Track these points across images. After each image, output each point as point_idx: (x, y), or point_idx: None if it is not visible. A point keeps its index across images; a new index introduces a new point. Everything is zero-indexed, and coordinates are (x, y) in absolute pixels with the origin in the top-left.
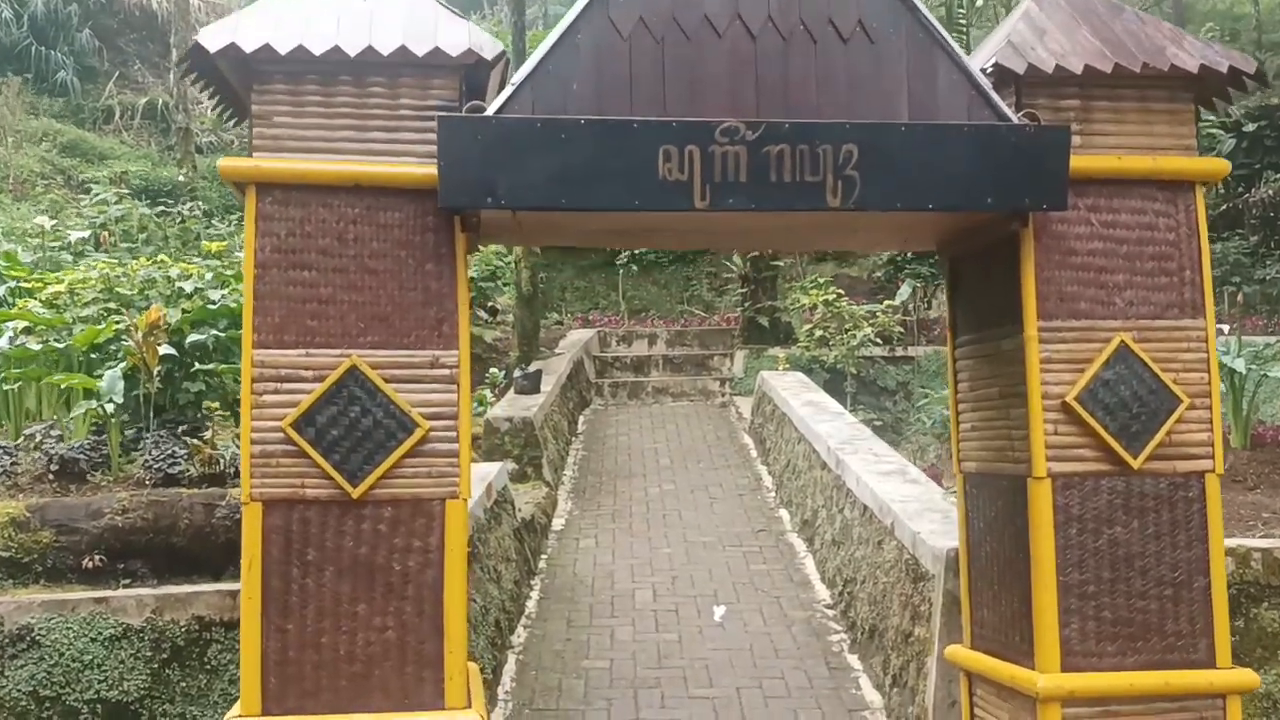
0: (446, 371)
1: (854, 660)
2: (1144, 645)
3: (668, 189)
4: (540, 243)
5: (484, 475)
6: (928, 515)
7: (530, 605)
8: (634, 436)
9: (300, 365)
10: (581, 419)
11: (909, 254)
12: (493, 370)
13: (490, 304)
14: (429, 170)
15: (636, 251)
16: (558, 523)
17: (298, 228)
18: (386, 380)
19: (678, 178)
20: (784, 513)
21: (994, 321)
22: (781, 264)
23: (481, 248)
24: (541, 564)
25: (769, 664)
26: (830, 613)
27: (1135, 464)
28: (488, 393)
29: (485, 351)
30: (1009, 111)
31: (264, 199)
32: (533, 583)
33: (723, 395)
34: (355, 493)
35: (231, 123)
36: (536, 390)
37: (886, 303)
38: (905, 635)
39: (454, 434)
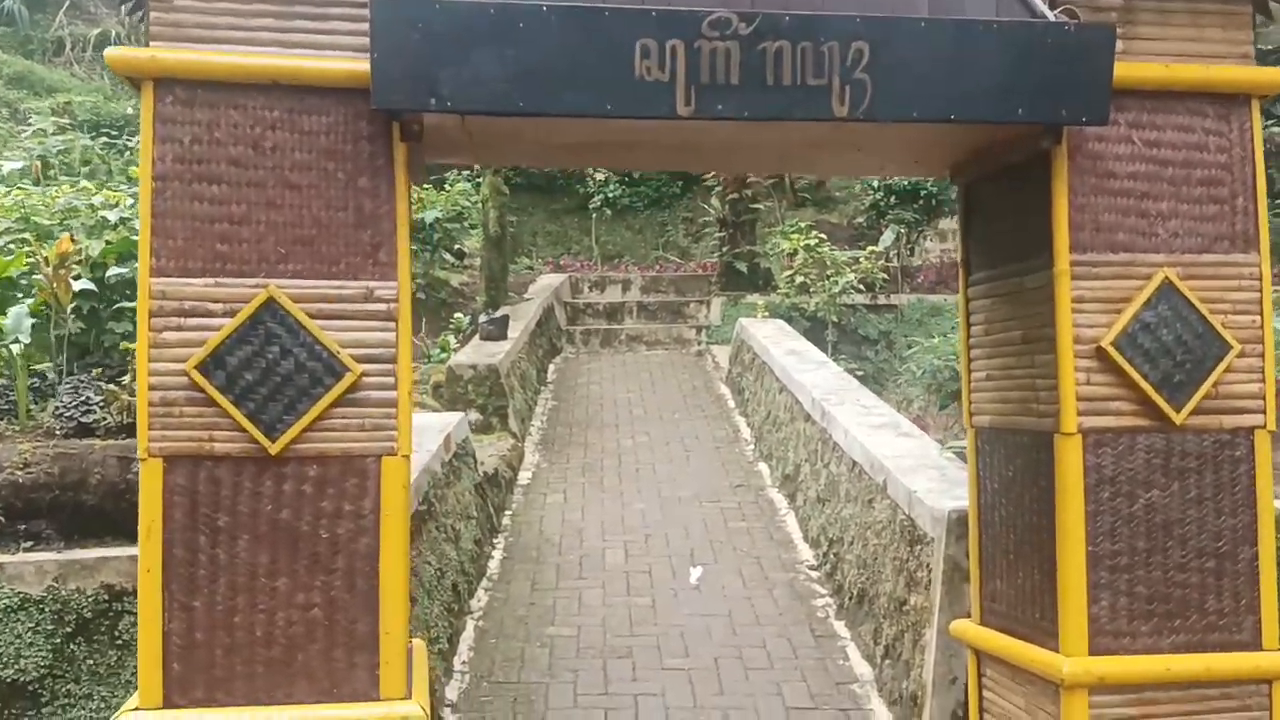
0: (383, 306)
1: (841, 627)
2: (1182, 624)
3: (646, 92)
4: (497, 160)
5: (443, 426)
6: (924, 472)
7: (492, 566)
8: (606, 386)
9: (207, 297)
10: (551, 367)
11: (892, 199)
12: (458, 315)
13: (457, 246)
14: (362, 66)
15: (610, 195)
16: (524, 476)
17: (205, 133)
18: (311, 316)
19: (658, 78)
20: (763, 467)
21: (1017, 255)
22: (761, 207)
23: (447, 187)
24: (505, 521)
25: (749, 631)
26: (814, 575)
27: (1177, 419)
28: (451, 339)
29: (451, 296)
30: (1044, 8)
31: (163, 98)
32: (496, 541)
33: (699, 343)
34: (273, 448)
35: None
36: (503, 337)
37: (870, 248)
38: (899, 603)
39: (391, 379)
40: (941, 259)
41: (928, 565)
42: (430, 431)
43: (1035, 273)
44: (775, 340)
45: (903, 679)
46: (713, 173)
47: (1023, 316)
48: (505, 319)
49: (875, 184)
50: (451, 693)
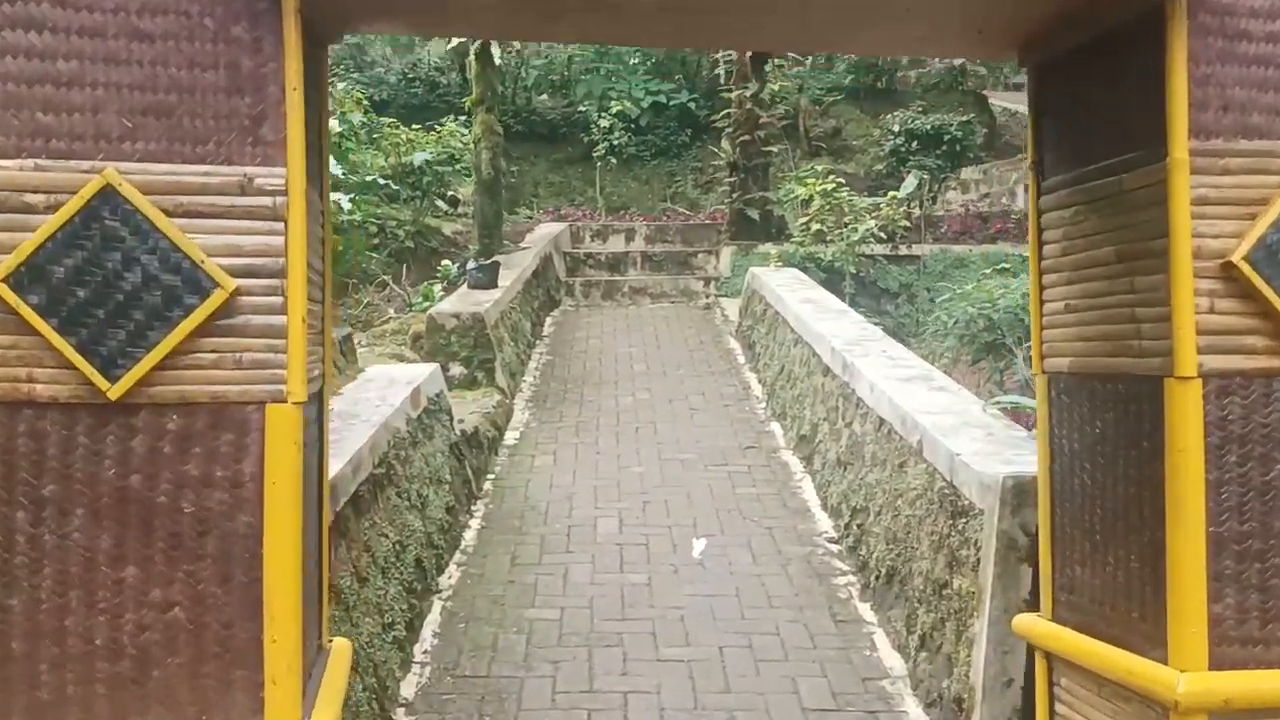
0: (266, 201)
1: (866, 610)
2: None
3: None
4: (436, 28)
5: (411, 378)
6: (967, 431)
7: (468, 537)
8: (606, 340)
9: (23, 185)
10: (549, 320)
11: (914, 144)
12: (445, 263)
13: (450, 193)
14: None
15: (615, 142)
16: (511, 436)
17: None
18: (166, 212)
19: None
20: (776, 426)
21: (1111, 149)
22: (774, 150)
23: (438, 128)
24: (487, 486)
25: (760, 615)
26: (835, 549)
27: None
28: (437, 288)
29: (443, 245)
30: None
31: None
32: (474, 509)
33: (707, 296)
34: (114, 391)
35: None
36: (493, 285)
37: (891, 194)
38: (938, 586)
39: (278, 300)
40: (966, 209)
41: (975, 542)
42: (397, 385)
43: (1139, 169)
44: (790, 289)
45: (943, 676)
46: (714, 51)
47: (1119, 228)
48: (495, 265)
49: (896, 128)
50: (408, 689)
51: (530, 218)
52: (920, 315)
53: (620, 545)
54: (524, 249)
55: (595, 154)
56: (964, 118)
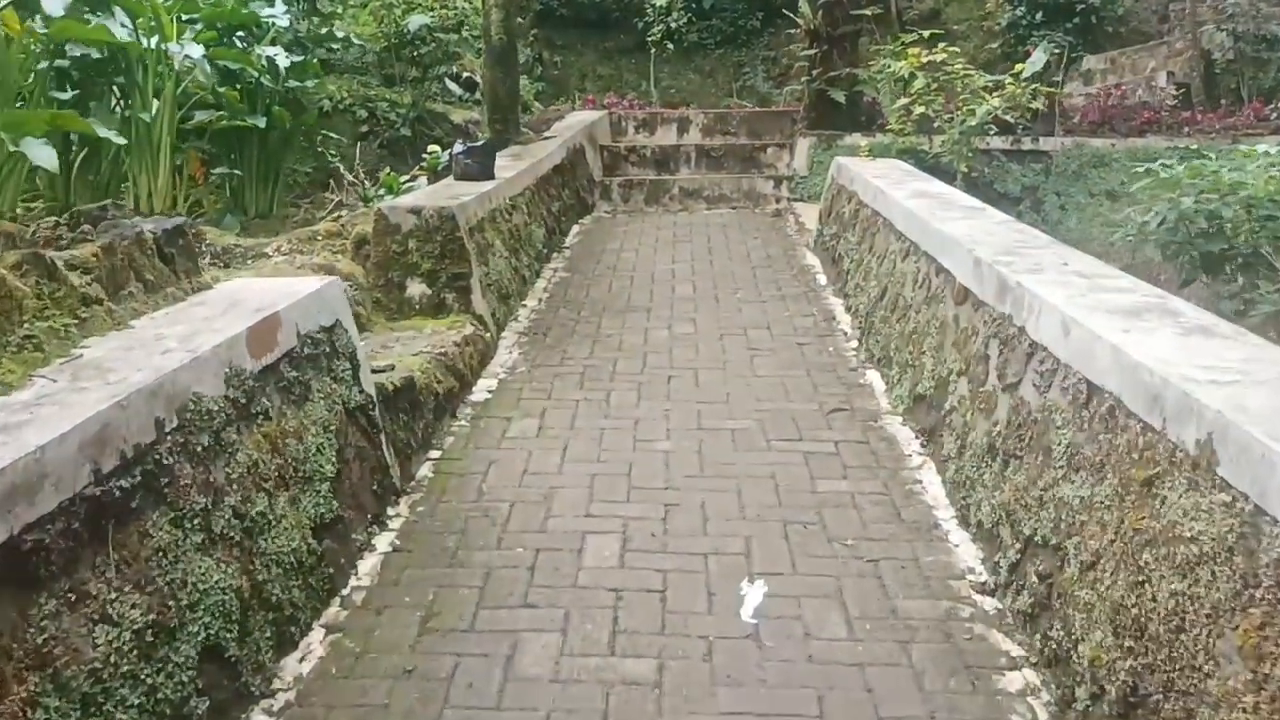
0: None
1: None
2: None
3: None
4: None
5: (270, 300)
6: None
7: (363, 570)
8: (644, 253)
9: None
10: (575, 229)
11: (1038, 16)
12: (433, 148)
13: (465, 74)
14: None
15: (673, 25)
16: (483, 387)
17: None
18: None
19: None
20: (875, 376)
21: None
22: (868, 13)
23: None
24: (422, 472)
25: None
26: (989, 606)
27: None
28: (422, 180)
29: (450, 134)
30: None
31: None
32: (388, 515)
33: (778, 200)
34: None
35: None
36: (488, 175)
37: (1018, 66)
38: None
39: None
40: (1105, 95)
41: None
42: (239, 311)
43: None
44: (893, 180)
45: None
46: None
47: None
48: (490, 148)
49: None
50: None
51: (569, 104)
52: (1048, 226)
53: (617, 593)
54: (548, 138)
55: (650, 38)
56: None
